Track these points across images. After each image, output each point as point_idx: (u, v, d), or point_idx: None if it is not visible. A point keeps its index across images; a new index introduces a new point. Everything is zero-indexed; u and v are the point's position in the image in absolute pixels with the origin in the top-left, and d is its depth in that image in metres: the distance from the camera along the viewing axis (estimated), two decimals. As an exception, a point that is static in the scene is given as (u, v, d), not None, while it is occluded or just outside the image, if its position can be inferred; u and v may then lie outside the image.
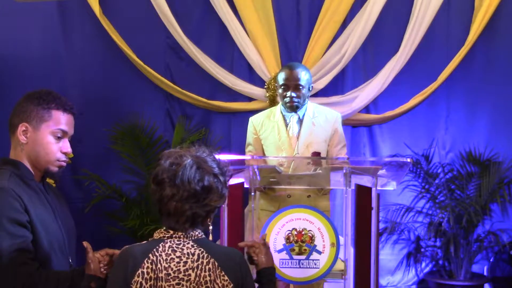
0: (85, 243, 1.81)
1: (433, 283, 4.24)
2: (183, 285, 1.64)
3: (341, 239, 2.54)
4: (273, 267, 1.91)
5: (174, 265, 1.65)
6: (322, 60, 4.38)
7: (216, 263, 1.67)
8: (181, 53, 4.53)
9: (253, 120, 3.40)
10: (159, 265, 1.64)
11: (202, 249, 1.68)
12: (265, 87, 4.39)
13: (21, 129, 1.93)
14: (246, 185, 2.67)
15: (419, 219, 4.36)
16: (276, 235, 2.50)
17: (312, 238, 2.49)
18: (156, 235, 1.72)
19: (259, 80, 4.45)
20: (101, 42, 4.55)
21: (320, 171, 2.71)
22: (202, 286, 1.65)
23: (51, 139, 1.94)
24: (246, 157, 3.24)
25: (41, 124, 1.93)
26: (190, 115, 4.59)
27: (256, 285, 1.85)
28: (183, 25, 4.44)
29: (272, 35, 4.42)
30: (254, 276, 1.88)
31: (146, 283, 1.62)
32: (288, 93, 3.21)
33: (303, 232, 2.49)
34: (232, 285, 1.67)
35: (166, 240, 1.69)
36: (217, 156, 1.78)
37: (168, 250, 1.67)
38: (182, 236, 1.69)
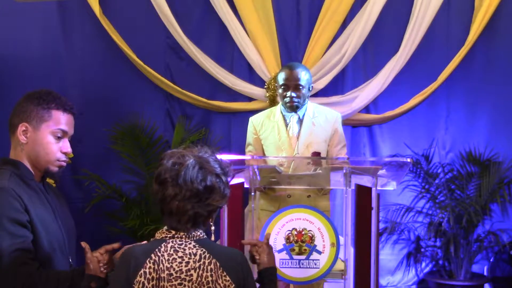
0: (83, 244, 1.81)
1: (433, 283, 4.24)
2: (185, 285, 1.64)
3: (341, 239, 2.54)
4: (275, 267, 1.91)
5: (176, 265, 1.66)
6: (322, 60, 4.38)
7: (218, 263, 1.67)
8: (181, 53, 4.53)
9: (253, 120, 3.40)
10: (161, 265, 1.64)
11: (204, 249, 1.69)
12: (265, 87, 4.39)
13: (21, 129, 1.93)
14: (246, 185, 2.67)
15: (419, 219, 4.36)
16: (276, 235, 2.50)
17: (312, 238, 2.49)
18: (158, 235, 1.72)
19: (259, 80, 4.45)
20: (101, 42, 4.55)
21: (320, 171, 2.71)
22: (204, 286, 1.65)
23: (51, 139, 1.95)
24: (246, 157, 3.24)
25: (41, 124, 1.93)
26: (190, 115, 4.59)
27: (257, 285, 1.85)
28: (183, 25, 4.44)
29: (272, 35, 4.42)
30: (255, 275, 1.88)
31: (148, 283, 1.62)
32: (288, 93, 3.21)
33: (303, 232, 2.49)
34: (234, 285, 1.67)
35: (168, 240, 1.69)
36: (218, 156, 1.78)
37: (170, 250, 1.67)
38: (184, 236, 1.70)
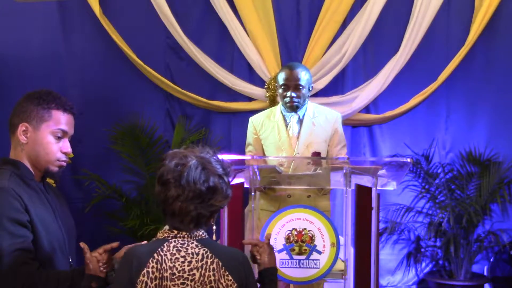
0: (82, 244, 1.81)
1: (433, 283, 4.24)
2: (187, 285, 1.65)
3: (341, 239, 2.54)
4: (275, 267, 1.92)
5: (179, 264, 1.66)
6: (322, 60, 4.38)
7: (220, 263, 1.68)
8: (181, 53, 4.53)
9: (253, 120, 3.40)
10: (164, 265, 1.65)
11: (206, 249, 1.69)
12: (265, 87, 4.39)
13: (21, 129, 1.93)
14: (246, 185, 2.67)
15: (419, 219, 4.36)
16: (276, 235, 2.50)
17: (312, 238, 2.49)
18: (160, 235, 1.72)
19: (259, 80, 4.45)
20: (101, 42, 4.55)
21: (320, 171, 2.71)
22: (206, 285, 1.66)
23: (51, 139, 1.95)
24: (246, 157, 3.24)
25: (41, 124, 1.93)
26: (190, 115, 4.59)
27: (258, 285, 1.85)
28: (183, 25, 4.44)
29: (272, 35, 4.42)
30: (255, 275, 1.89)
31: (151, 283, 1.63)
32: (288, 93, 3.21)
33: (303, 232, 2.49)
34: (236, 284, 1.68)
35: (170, 240, 1.70)
36: (219, 157, 1.79)
37: (172, 250, 1.67)
38: (186, 236, 1.70)
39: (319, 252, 2.48)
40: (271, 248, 1.94)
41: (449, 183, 4.32)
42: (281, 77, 3.25)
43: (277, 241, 2.49)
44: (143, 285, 1.62)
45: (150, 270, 1.64)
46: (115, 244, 1.84)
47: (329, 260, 2.48)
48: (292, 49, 4.48)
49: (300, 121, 3.28)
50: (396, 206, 4.33)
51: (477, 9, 4.35)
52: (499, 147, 4.33)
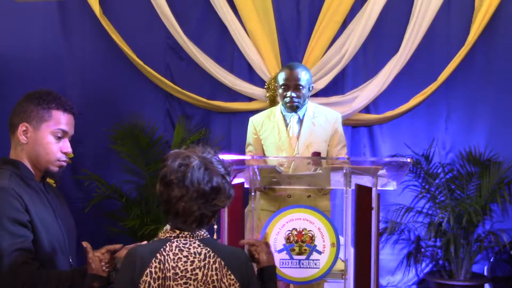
0: (85, 243, 1.81)
1: (433, 283, 4.24)
2: (190, 284, 1.65)
3: (341, 239, 2.54)
4: (274, 265, 1.92)
5: (182, 264, 1.66)
6: (322, 60, 4.38)
7: (223, 262, 1.69)
8: (181, 53, 4.53)
9: (253, 120, 3.40)
10: (167, 265, 1.65)
11: (208, 249, 1.70)
12: (265, 87, 4.39)
13: (21, 129, 1.93)
14: (246, 185, 2.67)
15: (419, 219, 4.36)
16: (276, 235, 2.50)
17: (312, 238, 2.49)
18: (162, 235, 1.72)
19: (259, 80, 4.45)
20: (101, 42, 4.55)
21: (320, 171, 2.70)
22: (209, 285, 1.66)
23: (51, 139, 1.95)
24: (246, 157, 3.24)
25: (41, 124, 1.93)
26: (190, 115, 4.59)
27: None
28: (183, 25, 4.45)
29: (272, 35, 4.42)
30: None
31: (154, 283, 1.63)
32: (288, 93, 3.21)
33: (303, 232, 2.49)
34: (238, 284, 1.69)
35: (172, 240, 1.70)
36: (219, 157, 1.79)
37: (175, 250, 1.68)
38: (188, 235, 1.71)
39: (319, 252, 2.48)
40: (268, 247, 1.95)
41: (449, 183, 4.32)
42: (281, 77, 3.25)
43: (277, 241, 2.49)
44: (146, 285, 1.63)
45: (153, 270, 1.64)
46: (118, 246, 1.84)
47: (329, 260, 2.48)
48: (292, 49, 4.48)
49: (300, 121, 3.28)
50: (396, 206, 4.33)
51: (477, 9, 4.35)
52: (499, 147, 4.33)
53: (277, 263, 2.43)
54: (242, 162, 2.82)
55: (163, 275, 1.64)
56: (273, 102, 4.29)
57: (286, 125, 3.29)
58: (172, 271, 1.65)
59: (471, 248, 4.15)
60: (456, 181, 4.33)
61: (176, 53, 4.57)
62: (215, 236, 1.80)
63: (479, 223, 4.17)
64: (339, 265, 2.53)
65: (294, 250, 2.49)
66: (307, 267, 2.48)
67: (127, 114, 4.46)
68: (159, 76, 4.49)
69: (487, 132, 4.45)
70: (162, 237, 1.72)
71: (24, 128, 1.93)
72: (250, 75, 4.50)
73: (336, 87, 4.46)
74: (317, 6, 4.42)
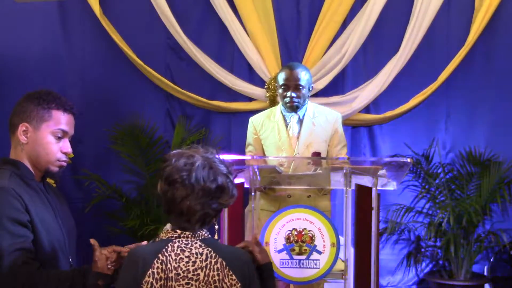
0: (92, 241, 1.82)
1: (433, 283, 4.24)
2: (192, 285, 1.66)
3: (341, 239, 2.54)
4: (270, 262, 1.92)
5: (184, 264, 1.67)
6: (322, 60, 4.38)
7: (224, 263, 1.69)
8: (181, 53, 4.53)
9: (253, 120, 3.40)
10: (169, 265, 1.65)
11: (209, 249, 1.70)
12: (265, 87, 4.39)
13: (21, 129, 1.93)
14: (246, 185, 2.67)
15: (419, 219, 4.36)
16: (276, 235, 2.50)
17: (312, 238, 2.49)
18: (163, 235, 1.72)
19: (259, 80, 4.45)
20: (101, 42, 4.55)
21: (320, 171, 2.71)
22: (211, 285, 1.66)
23: (51, 139, 1.94)
24: (246, 157, 3.24)
25: (42, 124, 1.93)
26: (190, 115, 4.59)
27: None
28: (183, 25, 4.45)
29: (272, 35, 4.42)
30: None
31: (157, 283, 1.64)
32: (288, 93, 3.21)
33: (303, 232, 2.49)
34: (239, 284, 1.69)
35: (174, 240, 1.70)
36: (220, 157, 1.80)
37: (177, 250, 1.68)
38: (190, 236, 1.71)
39: (319, 252, 2.48)
40: (259, 245, 1.95)
41: (449, 183, 4.32)
42: (281, 77, 3.25)
43: (277, 241, 2.49)
44: (149, 285, 1.63)
45: (155, 270, 1.64)
46: (125, 250, 1.84)
47: (329, 260, 2.48)
48: (292, 49, 4.48)
49: (300, 121, 3.28)
50: (396, 206, 4.33)
51: (477, 9, 4.35)
52: (499, 147, 4.33)
53: (277, 263, 2.44)
54: (242, 162, 2.82)
55: (165, 276, 1.64)
56: (273, 102, 4.29)
57: (286, 125, 3.29)
58: (174, 271, 1.65)
59: (471, 248, 4.15)
60: (456, 181, 4.33)
61: (176, 53, 4.57)
62: (216, 236, 1.80)
63: (479, 223, 4.17)
64: (339, 265, 2.54)
65: (294, 250, 2.49)
66: (307, 267, 2.49)
67: (127, 114, 4.46)
68: (159, 76, 4.49)
69: (487, 132, 4.44)
70: (163, 237, 1.72)
71: (24, 128, 1.93)
72: (250, 75, 4.50)
73: (336, 87, 4.46)
74: (317, 6, 4.42)
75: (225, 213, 2.45)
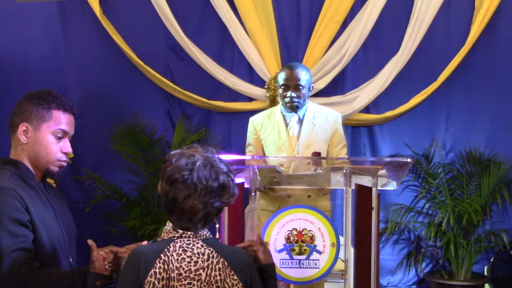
0: (90, 241, 1.82)
1: (433, 283, 4.24)
2: (194, 285, 1.66)
3: (341, 239, 2.54)
4: (273, 263, 1.92)
5: (185, 264, 1.67)
6: (322, 60, 4.38)
7: (226, 263, 1.69)
8: (181, 53, 4.53)
9: (253, 120, 3.40)
10: (171, 265, 1.66)
11: (211, 249, 1.70)
12: (265, 87, 4.39)
13: (22, 129, 1.93)
14: (246, 185, 2.67)
15: (419, 219, 4.36)
16: (277, 235, 2.50)
17: (312, 238, 2.49)
18: (165, 235, 1.72)
19: (259, 80, 4.45)
20: (101, 42, 4.55)
21: (321, 171, 2.70)
22: (212, 285, 1.67)
23: (51, 139, 1.95)
24: (247, 157, 3.24)
25: (42, 124, 1.93)
26: (190, 115, 4.59)
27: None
28: (183, 25, 4.45)
29: (272, 35, 4.42)
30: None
31: (159, 283, 1.64)
32: (288, 93, 3.20)
33: (303, 232, 2.49)
34: (241, 284, 1.69)
35: (176, 240, 1.70)
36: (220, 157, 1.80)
37: (179, 250, 1.68)
38: (191, 236, 1.71)
39: (319, 252, 2.48)
40: (264, 246, 1.95)
41: (449, 183, 4.32)
42: (281, 77, 3.25)
43: (277, 241, 2.49)
44: (151, 285, 1.63)
45: (157, 270, 1.64)
46: (122, 250, 1.85)
47: (329, 260, 2.48)
48: (292, 49, 4.48)
49: (300, 121, 3.28)
50: (396, 206, 4.33)
51: (477, 9, 4.35)
52: (499, 147, 4.33)
53: (277, 263, 2.43)
54: (242, 162, 2.82)
55: (167, 276, 1.65)
56: (273, 102, 4.29)
57: (286, 125, 3.29)
58: (176, 271, 1.66)
59: (471, 248, 4.15)
60: (456, 181, 4.33)
61: (176, 53, 4.57)
62: (217, 235, 1.80)
63: (479, 223, 4.17)
64: (339, 265, 2.53)
65: (294, 250, 2.49)
66: (307, 267, 2.49)
67: (127, 114, 4.46)
68: (159, 76, 4.49)
69: (487, 132, 4.44)
70: (165, 237, 1.72)
71: (25, 128, 1.93)
72: (250, 75, 4.50)
73: (336, 87, 4.46)
74: (317, 6, 4.42)
75: (225, 213, 2.45)
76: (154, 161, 4.36)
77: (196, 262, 1.68)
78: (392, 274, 4.49)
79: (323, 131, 3.27)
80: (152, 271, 1.64)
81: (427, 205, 4.34)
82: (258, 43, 4.39)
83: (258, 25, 4.40)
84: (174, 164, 1.71)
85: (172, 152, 1.76)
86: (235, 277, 1.69)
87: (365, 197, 2.45)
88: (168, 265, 1.65)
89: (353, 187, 2.54)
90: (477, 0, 4.36)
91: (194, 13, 4.54)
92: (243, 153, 3.45)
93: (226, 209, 2.43)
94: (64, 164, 1.99)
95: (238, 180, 2.55)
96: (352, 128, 4.51)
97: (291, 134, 3.27)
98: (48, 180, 2.06)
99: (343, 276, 2.52)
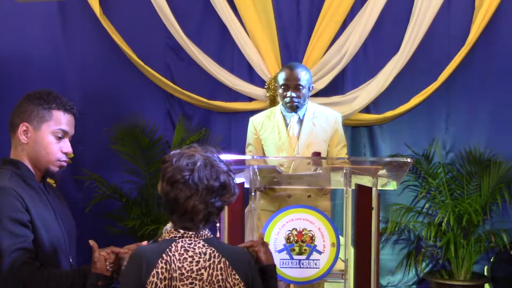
0: (91, 242, 1.82)
1: (433, 283, 4.24)
2: (196, 284, 1.66)
3: (341, 239, 2.54)
4: (274, 264, 1.92)
5: (187, 264, 1.67)
6: (322, 60, 4.38)
7: (227, 262, 1.69)
8: (181, 53, 4.53)
9: (253, 120, 3.40)
10: (173, 265, 1.66)
11: (213, 249, 1.71)
12: (266, 87, 4.39)
13: (22, 129, 1.93)
14: (246, 185, 2.67)
15: (419, 219, 4.36)
16: (277, 235, 2.50)
17: (312, 238, 2.49)
18: (166, 235, 1.72)
19: (259, 80, 4.45)
20: (101, 42, 4.55)
21: (321, 171, 2.71)
22: (214, 285, 1.67)
23: (51, 139, 1.94)
24: (247, 157, 3.24)
25: (42, 124, 1.93)
26: (190, 115, 4.59)
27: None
28: (183, 25, 4.45)
29: (273, 35, 4.42)
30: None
31: (161, 283, 1.64)
32: (288, 93, 3.20)
33: (303, 232, 2.49)
34: (242, 283, 1.69)
35: (177, 240, 1.70)
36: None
37: (180, 250, 1.68)
38: (193, 235, 1.71)
39: (319, 252, 2.49)
40: (266, 246, 1.95)
41: (449, 183, 4.32)
42: (281, 77, 3.25)
43: (277, 241, 2.49)
44: (153, 285, 1.63)
45: (159, 270, 1.64)
46: (124, 250, 1.85)
47: (329, 260, 2.48)
48: (292, 49, 4.48)
49: (300, 121, 3.28)
50: (396, 206, 4.33)
51: (477, 9, 4.35)
52: (499, 147, 4.33)
53: (277, 263, 2.43)
54: (242, 162, 2.82)
55: (170, 276, 1.65)
56: (273, 102, 4.29)
57: (286, 125, 3.29)
58: (178, 271, 1.66)
59: (471, 248, 4.15)
60: (456, 181, 4.33)
61: (176, 53, 4.57)
62: (218, 234, 1.81)
63: (479, 223, 4.18)
64: (339, 265, 2.53)
65: (294, 250, 2.49)
66: (307, 267, 2.49)
67: (127, 114, 4.46)
68: (159, 76, 4.49)
69: (487, 132, 4.43)
70: (166, 237, 1.72)
71: (25, 128, 1.93)
72: (250, 75, 4.50)
73: (336, 87, 4.46)
74: (317, 6, 4.41)
75: (225, 213, 2.45)
76: (154, 161, 4.36)
77: (198, 262, 1.68)
78: (392, 274, 4.49)
79: (323, 131, 3.27)
80: (154, 271, 1.64)
81: (427, 205, 4.34)
82: (258, 43, 4.39)
83: (258, 25, 4.40)
84: (174, 165, 1.70)
85: (172, 153, 1.76)
86: (237, 277, 1.69)
87: (365, 197, 2.45)
88: (170, 265, 1.65)
89: (353, 187, 2.54)
90: (477, 0, 4.36)
91: (194, 13, 4.54)
92: (243, 153, 3.45)
93: (226, 209, 2.43)
94: (64, 164, 1.99)
95: (238, 180, 2.55)
96: (352, 128, 4.51)
97: (291, 134, 3.27)
98: (48, 180, 2.06)
99: (343, 276, 2.52)
